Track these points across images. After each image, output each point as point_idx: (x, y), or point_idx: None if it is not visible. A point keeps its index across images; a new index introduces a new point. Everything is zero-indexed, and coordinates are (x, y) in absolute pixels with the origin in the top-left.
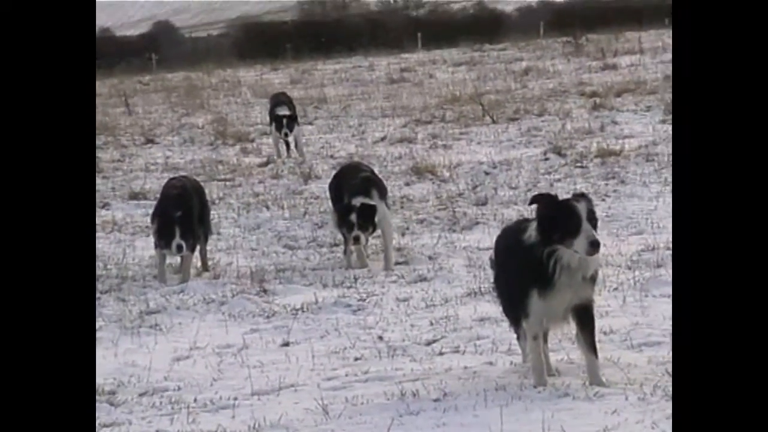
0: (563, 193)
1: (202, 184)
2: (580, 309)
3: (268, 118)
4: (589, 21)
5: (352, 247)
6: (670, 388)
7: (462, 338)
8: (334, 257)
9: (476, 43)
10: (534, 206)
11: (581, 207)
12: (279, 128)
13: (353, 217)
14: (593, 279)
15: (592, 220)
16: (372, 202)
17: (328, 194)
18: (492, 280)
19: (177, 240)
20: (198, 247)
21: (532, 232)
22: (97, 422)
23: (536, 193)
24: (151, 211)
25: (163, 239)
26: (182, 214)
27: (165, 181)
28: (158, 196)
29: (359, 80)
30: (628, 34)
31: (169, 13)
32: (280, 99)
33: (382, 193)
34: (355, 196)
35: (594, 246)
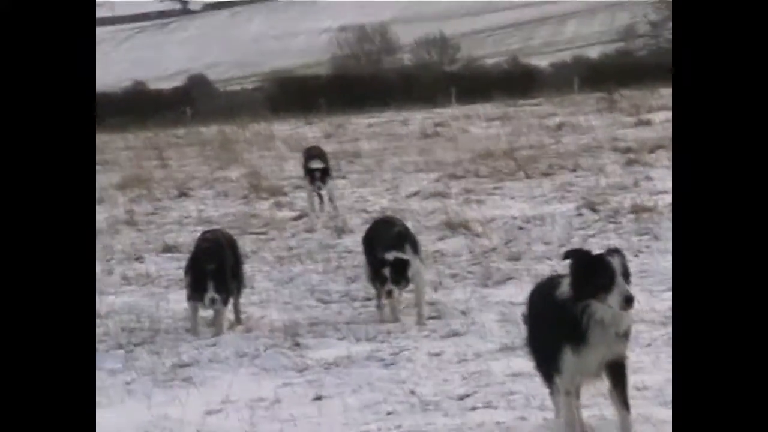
0: (597, 248)
1: (235, 237)
2: (614, 365)
3: (302, 172)
4: (623, 77)
5: (385, 301)
6: None
7: (495, 393)
8: (366, 311)
9: (510, 98)
10: (568, 261)
11: (615, 262)
12: (312, 181)
13: (386, 271)
14: (626, 335)
15: (626, 275)
16: (405, 257)
17: (362, 248)
18: (525, 335)
19: (210, 293)
20: (231, 301)
21: (565, 288)
22: None
23: (570, 248)
24: (184, 264)
25: (196, 292)
26: (216, 268)
27: (198, 234)
28: (192, 249)
29: (393, 134)
30: (662, 90)
31: (202, 66)
32: (313, 153)
33: (416, 247)
34: (389, 250)
35: (628, 301)
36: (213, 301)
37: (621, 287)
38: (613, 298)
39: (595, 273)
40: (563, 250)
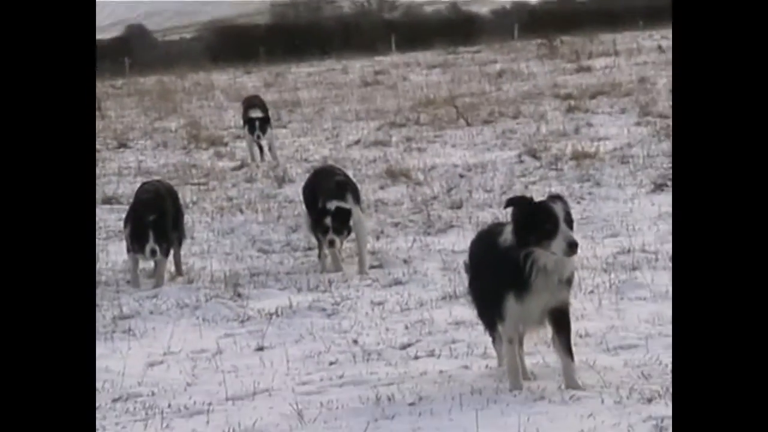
0: (538, 195)
1: (175, 188)
2: (556, 312)
3: (241, 122)
4: (563, 23)
5: (327, 251)
6: (646, 391)
7: (437, 342)
8: (308, 261)
9: (450, 46)
10: (509, 209)
11: (558, 208)
12: (252, 131)
13: (328, 220)
14: (569, 282)
15: (569, 221)
16: (347, 206)
17: (302, 198)
18: (467, 284)
19: (151, 244)
20: (172, 252)
21: (507, 236)
22: None
23: (511, 195)
24: (124, 215)
25: (136, 243)
26: (156, 218)
27: (138, 185)
28: (131, 200)
29: (333, 83)
30: (603, 36)
31: (141, 16)
32: (253, 102)
33: (357, 196)
34: (330, 199)
35: (572, 247)
36: (153, 252)
37: (565, 233)
38: (557, 245)
39: (537, 220)
40: (505, 197)
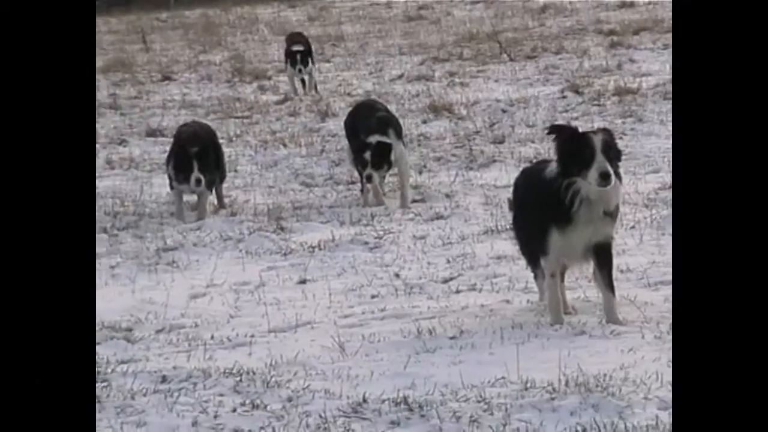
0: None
1: (219, 120)
2: (599, 247)
3: (284, 58)
4: None
5: (369, 185)
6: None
7: (479, 276)
8: (351, 195)
9: None
10: (552, 136)
11: (596, 138)
12: (293, 64)
13: (367, 155)
14: (614, 216)
15: (609, 152)
16: (388, 140)
17: (344, 132)
18: (511, 220)
19: (196, 173)
20: (214, 189)
21: (553, 167)
22: (115, 359)
23: (554, 123)
24: (168, 148)
25: (181, 174)
26: (199, 150)
27: (182, 118)
28: (172, 140)
29: (377, 18)
30: None
31: None
32: (296, 39)
33: (398, 131)
34: (371, 134)
35: (603, 177)
36: (198, 181)
37: (599, 163)
38: (592, 174)
39: (576, 148)
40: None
